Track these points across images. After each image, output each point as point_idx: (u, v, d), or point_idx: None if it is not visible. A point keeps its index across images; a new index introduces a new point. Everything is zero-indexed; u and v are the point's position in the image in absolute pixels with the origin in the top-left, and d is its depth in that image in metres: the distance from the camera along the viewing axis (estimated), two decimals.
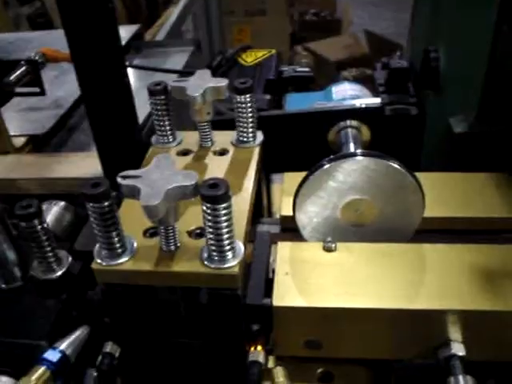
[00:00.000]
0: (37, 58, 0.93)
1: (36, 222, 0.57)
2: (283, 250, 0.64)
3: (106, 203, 0.52)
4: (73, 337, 0.59)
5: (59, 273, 0.61)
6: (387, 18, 3.94)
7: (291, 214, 0.68)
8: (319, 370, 0.65)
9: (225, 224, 0.52)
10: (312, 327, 0.59)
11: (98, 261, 0.55)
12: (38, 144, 0.97)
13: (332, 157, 0.62)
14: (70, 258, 0.63)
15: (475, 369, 0.59)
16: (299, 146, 0.78)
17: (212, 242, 0.53)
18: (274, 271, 0.62)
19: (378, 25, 3.75)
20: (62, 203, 0.74)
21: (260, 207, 0.78)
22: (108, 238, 0.54)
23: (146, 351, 0.64)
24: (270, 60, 1.15)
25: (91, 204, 0.52)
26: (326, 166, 0.62)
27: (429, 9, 1.12)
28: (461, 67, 0.92)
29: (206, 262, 0.54)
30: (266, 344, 0.62)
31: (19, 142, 0.95)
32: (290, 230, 0.70)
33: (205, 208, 0.51)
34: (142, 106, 0.82)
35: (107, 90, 0.73)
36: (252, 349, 0.61)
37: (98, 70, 0.71)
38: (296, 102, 0.85)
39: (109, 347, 0.62)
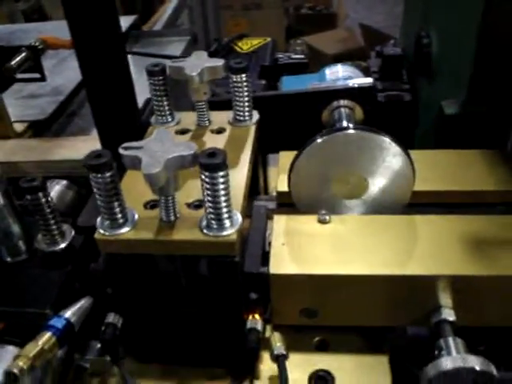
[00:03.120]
0: (37, 44, 0.95)
1: (40, 194, 0.59)
2: (279, 223, 0.66)
3: (108, 174, 0.54)
4: (77, 306, 0.61)
5: (63, 245, 0.63)
6: (382, 11, 3.96)
7: (287, 189, 0.70)
8: (316, 339, 0.68)
9: (222, 192, 0.54)
10: (308, 295, 0.62)
11: (101, 231, 0.58)
12: (39, 129, 0.99)
13: (324, 131, 0.64)
14: (73, 232, 0.65)
15: (467, 335, 0.61)
16: (294, 126, 0.80)
17: (210, 210, 0.55)
18: (270, 244, 0.65)
19: (373, 18, 3.78)
20: (65, 182, 0.76)
21: (257, 185, 0.80)
22: (110, 209, 0.56)
23: (147, 321, 0.66)
24: (266, 47, 1.17)
25: (94, 174, 0.54)
26: (319, 140, 0.64)
27: None
28: (451, 51, 0.94)
29: (204, 231, 0.56)
30: (263, 314, 0.64)
31: (20, 127, 0.97)
32: (287, 205, 0.72)
33: (203, 177, 0.53)
34: (141, 93, 0.84)
35: (108, 73, 0.75)
36: (250, 317, 0.63)
37: (99, 52, 0.73)
38: (291, 84, 0.87)
39: (111, 318, 0.64)
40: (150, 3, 3.04)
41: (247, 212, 0.67)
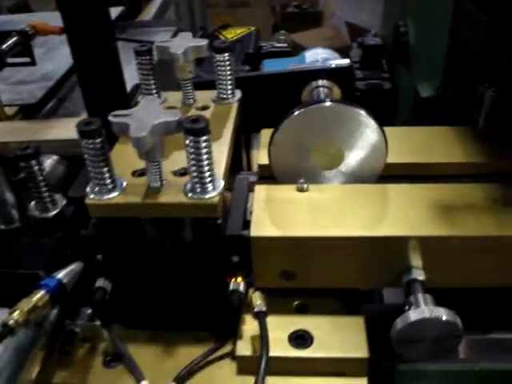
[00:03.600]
0: (27, 29, 0.98)
1: (33, 162, 0.62)
2: (259, 192, 0.70)
3: (99, 140, 0.57)
4: (68, 268, 0.64)
5: (54, 212, 0.66)
6: (368, 10, 4.01)
7: (268, 162, 0.74)
8: (295, 303, 0.71)
9: (205, 156, 0.58)
10: (286, 257, 0.65)
11: (91, 196, 0.61)
12: (29, 113, 1.02)
13: (302, 104, 0.68)
14: (65, 201, 0.68)
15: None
16: (275, 106, 0.83)
17: (194, 174, 0.59)
18: (251, 213, 0.68)
19: (359, 17, 3.83)
20: (56, 157, 0.79)
21: (240, 163, 0.84)
22: (100, 174, 0.60)
23: (135, 286, 0.69)
24: (250, 36, 1.21)
25: (85, 141, 0.57)
26: (297, 113, 0.68)
27: None
28: (427, 40, 0.98)
29: (189, 194, 0.60)
30: (246, 278, 0.68)
31: (11, 110, 1.00)
32: (268, 178, 0.76)
33: (187, 142, 0.57)
34: (129, 79, 0.88)
35: (97, 57, 0.79)
36: (233, 280, 0.67)
37: (89, 37, 0.77)
38: (272, 66, 0.91)
39: (101, 282, 0.67)
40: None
41: (229, 186, 0.71)
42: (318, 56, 0.90)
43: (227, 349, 0.69)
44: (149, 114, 0.58)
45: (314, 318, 0.69)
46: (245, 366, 0.66)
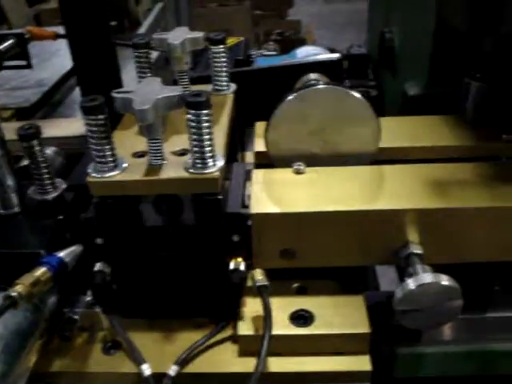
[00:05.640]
0: (24, 33, 1.00)
1: (35, 142, 0.63)
2: (257, 175, 0.72)
3: (102, 116, 0.58)
4: (69, 249, 0.64)
5: (54, 194, 0.67)
6: (349, 38, 4.11)
7: (264, 149, 0.75)
8: (295, 285, 0.72)
9: (206, 131, 0.59)
10: (286, 235, 0.66)
11: (93, 175, 0.62)
12: (23, 117, 1.03)
13: (297, 88, 0.70)
14: (65, 185, 0.69)
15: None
16: (269, 100, 0.86)
17: (195, 149, 0.60)
18: (249, 197, 0.69)
19: (340, 44, 3.91)
20: (54, 148, 0.80)
21: (235, 156, 0.85)
22: (102, 151, 0.61)
23: (134, 271, 0.69)
24: (239, 45, 1.24)
25: (89, 117, 0.58)
26: (290, 97, 0.70)
27: None
28: (412, 44, 1.02)
29: (190, 170, 0.61)
30: (246, 259, 0.68)
31: (5, 113, 1.01)
32: (265, 166, 0.77)
33: (189, 116, 0.58)
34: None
35: (96, 58, 0.81)
36: (233, 260, 0.67)
37: (90, 41, 0.79)
38: (264, 63, 0.93)
39: (100, 265, 0.67)
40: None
41: (226, 176, 0.72)
42: (308, 52, 0.93)
43: (228, 332, 0.69)
44: (151, 90, 0.59)
45: (314, 298, 0.70)
46: (246, 346, 0.66)
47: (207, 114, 0.58)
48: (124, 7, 2.76)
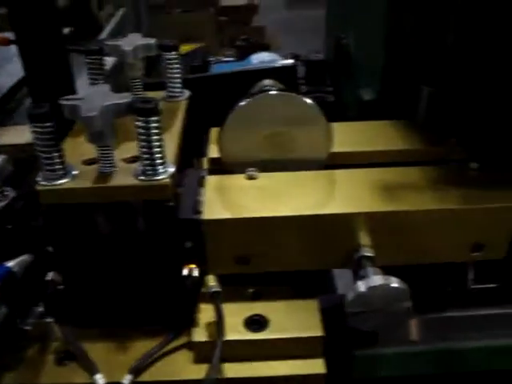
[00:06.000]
0: None
1: None
2: (210, 181, 0.72)
3: (48, 124, 0.58)
4: (19, 259, 0.63)
5: (2, 204, 0.66)
6: (314, 43, 4.15)
7: (218, 156, 0.75)
8: (250, 291, 0.72)
9: (156, 137, 0.59)
10: (240, 241, 0.66)
11: (42, 183, 0.61)
12: None
13: (250, 94, 0.71)
14: (14, 193, 0.67)
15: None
16: (224, 107, 0.86)
17: (145, 156, 0.60)
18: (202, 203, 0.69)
19: (303, 50, 3.95)
20: (3, 156, 0.78)
21: (189, 160, 0.85)
22: (51, 159, 0.60)
23: (86, 280, 0.68)
24: (197, 51, 1.24)
25: (35, 124, 0.57)
26: (242, 104, 0.70)
27: (338, 3, 1.26)
28: (366, 50, 1.04)
29: (140, 177, 0.61)
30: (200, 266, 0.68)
31: None
32: (219, 172, 0.77)
33: (138, 123, 0.58)
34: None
35: (48, 65, 0.80)
36: (187, 267, 0.67)
37: (41, 48, 0.78)
38: (219, 69, 0.94)
39: (52, 275, 0.66)
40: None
41: (179, 182, 0.72)
42: (263, 58, 0.94)
43: (184, 339, 0.69)
44: (100, 96, 0.59)
45: (269, 303, 0.70)
46: (201, 353, 0.66)
47: (156, 121, 0.58)
48: (87, 12, 2.73)
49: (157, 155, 0.60)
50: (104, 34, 1.97)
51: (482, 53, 0.77)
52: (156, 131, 0.58)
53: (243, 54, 1.24)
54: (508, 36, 0.73)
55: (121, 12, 2.25)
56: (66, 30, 1.43)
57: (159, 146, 0.60)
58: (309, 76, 1.27)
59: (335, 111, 1.15)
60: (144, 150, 0.60)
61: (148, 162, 0.60)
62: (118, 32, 2.25)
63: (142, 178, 0.61)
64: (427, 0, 0.79)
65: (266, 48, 3.65)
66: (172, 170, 0.62)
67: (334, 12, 1.34)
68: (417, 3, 0.81)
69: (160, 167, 0.61)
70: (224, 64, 0.98)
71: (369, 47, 1.01)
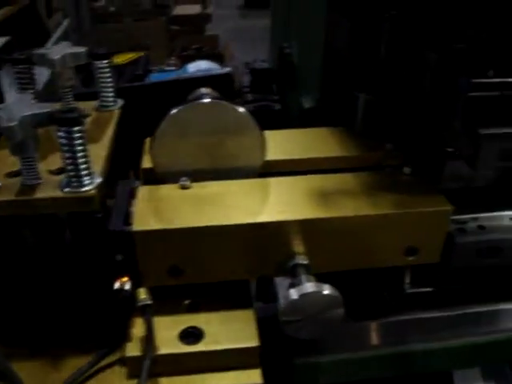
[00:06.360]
0: None
1: None
2: (142, 192, 0.70)
3: None
4: None
5: None
6: (263, 50, 4.18)
7: (151, 166, 0.74)
8: (186, 302, 0.71)
9: (80, 148, 0.57)
10: (172, 251, 0.65)
11: None
12: None
13: (181, 103, 0.70)
14: None
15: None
16: (160, 115, 0.85)
17: (70, 167, 0.58)
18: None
19: (258, 58, 3.97)
20: None
21: (123, 170, 0.83)
22: None
23: (13, 297, 0.66)
24: (139, 60, 1.22)
25: None
26: (173, 112, 0.69)
27: (282, 12, 1.27)
28: (306, 58, 1.05)
29: (65, 189, 0.59)
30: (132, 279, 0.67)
31: None
32: (153, 182, 0.75)
33: (60, 134, 0.56)
34: None
35: None
36: (118, 280, 0.65)
37: None
38: (156, 78, 0.93)
39: None
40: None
41: (110, 193, 0.70)
42: (200, 67, 0.93)
43: (117, 355, 0.67)
44: (20, 106, 0.57)
45: (205, 314, 0.69)
46: (135, 368, 0.64)
47: (79, 131, 0.56)
48: (35, 19, 2.68)
49: (82, 166, 0.58)
50: (49, 44, 1.92)
51: (405, 64, 0.79)
52: (79, 142, 0.57)
53: (187, 62, 1.23)
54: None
55: (67, 20, 2.20)
56: (2, 40, 1.39)
57: (84, 157, 0.58)
58: (254, 84, 1.27)
59: (281, 119, 1.16)
60: (68, 161, 0.58)
61: (73, 173, 0.59)
62: (65, 40, 2.20)
63: (67, 189, 0.59)
64: (361, 12, 0.80)
65: (218, 57, 3.66)
66: (99, 181, 0.60)
67: (278, 22, 1.35)
68: (352, 14, 0.82)
69: (86, 178, 0.59)
70: (161, 73, 0.97)
71: (309, 56, 1.02)
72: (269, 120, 1.19)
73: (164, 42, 3.61)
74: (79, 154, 0.57)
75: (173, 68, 1.22)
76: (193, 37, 4.15)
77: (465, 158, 0.68)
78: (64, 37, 2.15)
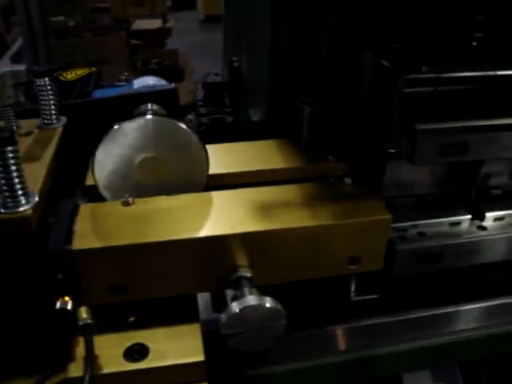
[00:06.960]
0: None
1: None
2: (84, 210, 0.70)
3: None
4: None
5: None
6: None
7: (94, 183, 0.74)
8: (131, 319, 0.70)
9: (14, 168, 0.57)
10: (113, 269, 0.65)
11: None
12: None
13: (122, 119, 0.70)
14: None
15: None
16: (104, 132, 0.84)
17: (5, 187, 0.57)
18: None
19: (211, 71, 3.99)
20: None
21: (66, 188, 0.82)
22: None
23: None
24: (90, 76, 1.22)
25: None
26: (115, 127, 0.69)
27: (232, 26, 1.28)
28: (254, 71, 1.07)
29: (0, 210, 0.58)
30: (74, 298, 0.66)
31: None
32: (97, 199, 0.75)
33: None
34: None
35: None
36: (60, 300, 0.64)
37: None
38: (101, 94, 0.92)
39: None
40: None
41: (51, 212, 0.69)
42: (146, 83, 0.93)
43: (61, 377, 0.66)
44: None
45: (150, 330, 0.68)
46: None
47: (13, 151, 0.56)
48: None
49: (17, 186, 0.58)
50: (6, 58, 1.89)
51: (345, 66, 0.81)
52: (13, 161, 0.56)
53: (163, 77, 1.23)
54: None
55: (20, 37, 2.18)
56: None
57: (18, 177, 0.58)
58: (207, 97, 1.28)
59: (233, 131, 1.17)
60: (3, 181, 0.57)
61: (8, 193, 0.58)
62: (21, 55, 2.19)
63: (2, 210, 0.58)
64: (302, 14, 0.82)
65: (179, 71, 3.65)
66: (36, 200, 0.60)
67: (229, 35, 1.36)
68: (293, 17, 0.84)
69: (21, 198, 0.58)
70: (111, 89, 0.96)
71: (256, 70, 1.03)
72: (221, 132, 1.22)
73: (125, 56, 3.60)
74: (14, 174, 0.57)
75: (123, 83, 1.21)
76: (153, 51, 4.14)
77: (404, 155, 0.69)
78: (21, 52, 2.11)
